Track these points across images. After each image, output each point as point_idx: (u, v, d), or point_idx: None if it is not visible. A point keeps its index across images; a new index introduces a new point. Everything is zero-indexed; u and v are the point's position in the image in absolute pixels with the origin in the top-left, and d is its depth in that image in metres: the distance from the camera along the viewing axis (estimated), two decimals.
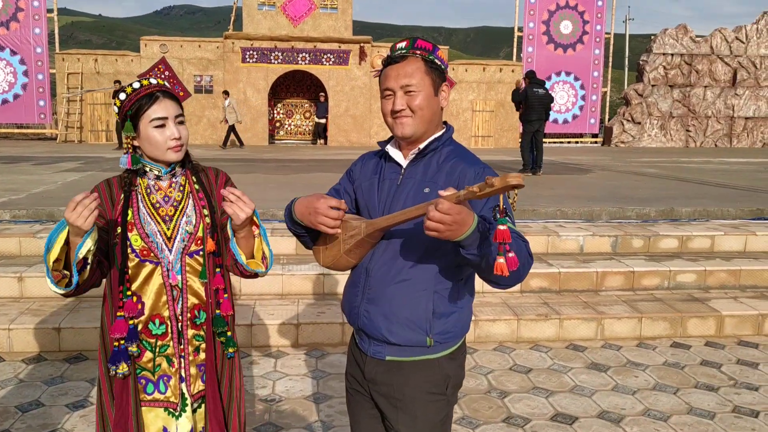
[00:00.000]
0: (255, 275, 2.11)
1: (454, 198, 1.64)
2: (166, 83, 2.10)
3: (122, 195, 2.03)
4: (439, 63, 1.97)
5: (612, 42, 24.68)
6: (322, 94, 21.79)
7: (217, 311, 2.10)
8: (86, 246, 1.82)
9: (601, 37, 24.22)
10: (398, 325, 1.96)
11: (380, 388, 2.04)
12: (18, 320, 4.73)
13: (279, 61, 21.07)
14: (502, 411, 3.85)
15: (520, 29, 23.85)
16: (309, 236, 2.10)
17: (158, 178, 2.09)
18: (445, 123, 2.09)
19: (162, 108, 2.01)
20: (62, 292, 1.89)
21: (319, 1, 21.38)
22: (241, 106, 20.87)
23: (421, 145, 2.00)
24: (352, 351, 2.16)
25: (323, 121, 22.18)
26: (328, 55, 21.31)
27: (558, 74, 23.85)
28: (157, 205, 2.05)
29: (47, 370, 4.34)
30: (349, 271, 2.14)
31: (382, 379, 2.03)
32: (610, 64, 25.22)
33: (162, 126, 2.01)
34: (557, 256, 6.25)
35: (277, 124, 23.30)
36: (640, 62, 24.40)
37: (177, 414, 2.09)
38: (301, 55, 21.13)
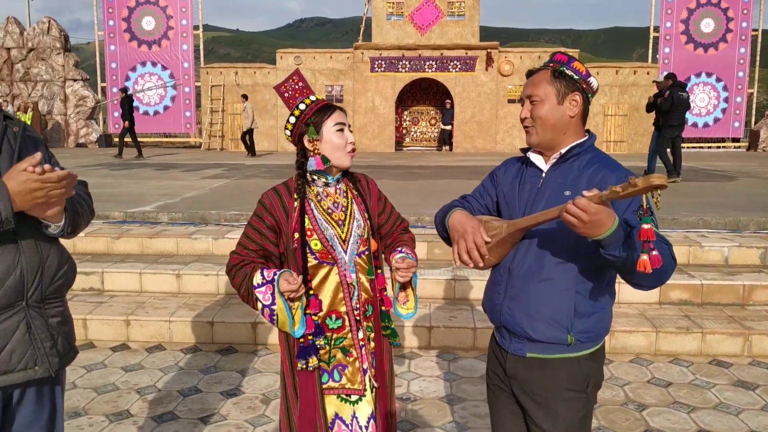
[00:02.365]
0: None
1: (597, 198, 1.69)
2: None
3: (295, 203, 2.23)
4: (570, 73, 2.04)
5: (759, 39, 22.93)
6: (448, 101, 21.89)
7: (382, 308, 2.29)
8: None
9: (747, 34, 22.59)
10: (540, 323, 2.03)
11: (521, 385, 2.12)
12: (177, 313, 5.20)
13: (406, 69, 21.42)
14: (641, 424, 3.76)
15: (656, 29, 22.73)
16: None
17: (326, 185, 2.28)
18: (587, 131, 2.14)
19: (340, 116, 2.27)
20: (299, 330, 2.20)
21: (446, 8, 21.52)
22: (369, 115, 21.37)
23: (563, 150, 2.07)
24: (493, 348, 2.25)
25: (449, 127, 22.26)
26: (455, 62, 21.39)
27: (698, 75, 22.50)
28: (330, 210, 2.25)
29: (202, 360, 4.75)
30: (488, 272, 2.23)
31: (523, 375, 2.10)
32: (758, 63, 23.45)
33: (341, 130, 2.25)
34: (699, 267, 5.97)
35: (404, 131, 23.67)
36: None
37: (353, 400, 2.25)
38: (428, 63, 21.37)
